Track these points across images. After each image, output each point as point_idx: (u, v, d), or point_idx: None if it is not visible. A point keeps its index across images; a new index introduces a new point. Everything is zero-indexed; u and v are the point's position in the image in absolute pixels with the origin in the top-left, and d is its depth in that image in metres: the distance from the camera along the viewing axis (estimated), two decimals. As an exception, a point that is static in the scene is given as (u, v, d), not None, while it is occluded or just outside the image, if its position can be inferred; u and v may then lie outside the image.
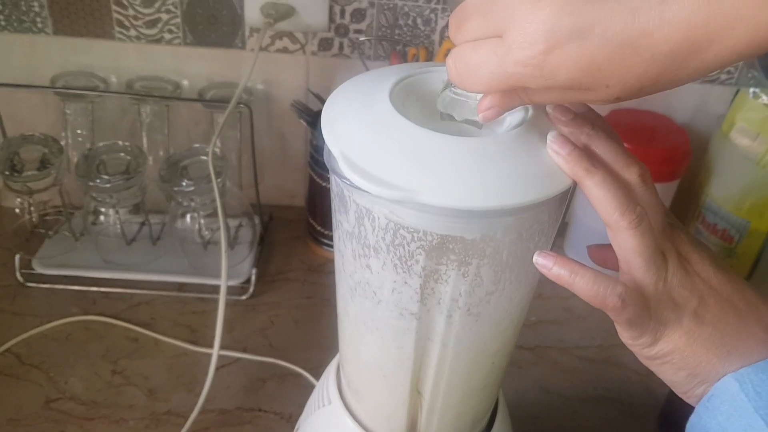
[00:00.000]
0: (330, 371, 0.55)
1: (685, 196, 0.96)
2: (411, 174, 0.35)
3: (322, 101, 0.90)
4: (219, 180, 0.78)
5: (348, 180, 0.36)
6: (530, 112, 0.40)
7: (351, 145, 0.37)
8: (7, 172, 0.78)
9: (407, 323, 0.42)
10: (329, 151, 0.38)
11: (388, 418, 0.49)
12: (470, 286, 0.40)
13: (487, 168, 0.36)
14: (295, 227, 1.01)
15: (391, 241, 0.38)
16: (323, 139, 0.38)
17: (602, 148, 0.38)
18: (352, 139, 0.37)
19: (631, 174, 0.38)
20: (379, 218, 0.38)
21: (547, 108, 0.40)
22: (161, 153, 0.92)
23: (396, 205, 0.37)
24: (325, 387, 0.54)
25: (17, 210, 0.85)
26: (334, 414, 0.52)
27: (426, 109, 0.43)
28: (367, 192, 0.35)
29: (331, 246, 0.95)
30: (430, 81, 0.43)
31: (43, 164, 0.80)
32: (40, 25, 0.88)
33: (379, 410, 0.49)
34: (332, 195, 0.42)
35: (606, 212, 0.37)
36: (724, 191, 0.91)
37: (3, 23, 0.88)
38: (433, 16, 0.88)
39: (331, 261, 0.95)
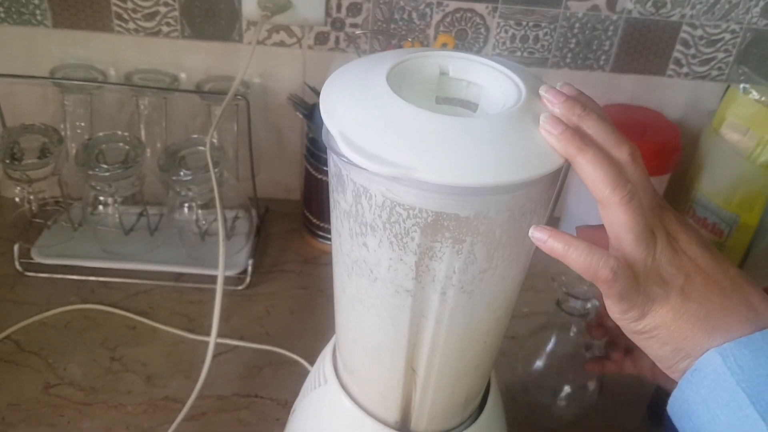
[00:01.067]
0: (326, 352, 0.56)
1: (676, 191, 0.97)
2: (407, 152, 0.36)
3: (319, 95, 0.91)
4: (216, 170, 0.79)
5: (346, 158, 0.37)
6: (524, 94, 0.41)
7: (349, 124, 0.38)
8: (6, 161, 0.79)
9: (402, 300, 0.43)
10: (327, 130, 0.39)
11: (383, 397, 0.50)
12: (464, 263, 0.41)
13: (481, 146, 0.37)
14: (290, 220, 1.02)
15: (388, 218, 0.39)
16: (321, 124, 0.39)
17: (593, 129, 0.39)
18: (350, 118, 0.39)
19: (621, 153, 0.39)
20: (375, 196, 0.39)
21: (540, 90, 0.41)
22: (158, 145, 0.93)
23: (392, 183, 0.38)
24: (321, 368, 0.55)
25: (17, 199, 0.86)
26: (330, 393, 0.53)
27: (422, 93, 0.44)
28: (364, 169, 0.36)
29: (327, 239, 0.96)
30: (427, 65, 0.44)
31: (43, 153, 0.80)
32: (39, 18, 0.89)
33: (375, 389, 0.50)
34: (330, 175, 0.44)
35: (598, 189, 0.38)
36: (715, 186, 0.93)
37: (2, 15, 0.89)
38: (428, 10, 0.90)
39: (327, 253, 0.96)
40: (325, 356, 0.55)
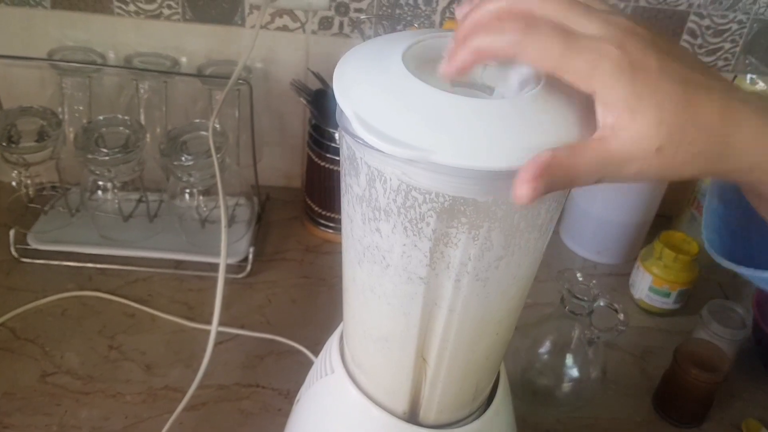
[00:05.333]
0: (332, 342, 0.54)
1: (681, 183, 0.96)
2: (425, 133, 0.35)
3: (322, 80, 0.90)
4: (219, 156, 0.78)
5: (361, 139, 0.36)
6: (543, 77, 0.40)
7: (364, 104, 0.37)
8: (3, 144, 0.77)
9: (415, 288, 0.42)
10: (341, 111, 0.38)
11: (392, 387, 0.49)
12: (480, 250, 0.40)
13: (501, 129, 0.36)
14: (291, 208, 1.00)
15: (403, 203, 0.38)
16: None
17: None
18: (365, 99, 0.37)
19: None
20: (391, 180, 0.38)
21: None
22: (158, 130, 0.92)
23: (409, 166, 0.36)
24: (327, 357, 0.54)
25: (13, 183, 0.84)
26: (336, 383, 0.51)
27: (437, 74, 0.42)
28: (380, 151, 0.35)
29: (329, 227, 0.95)
30: (443, 46, 0.43)
31: (41, 137, 0.79)
32: (37, -1, 0.87)
33: (383, 380, 0.49)
34: (342, 158, 0.42)
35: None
36: (721, 177, 0.92)
37: (0, -5, 0.87)
38: (434, -4, 0.88)
39: (328, 242, 0.95)
40: (332, 345, 0.54)
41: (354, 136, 0.36)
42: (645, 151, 0.34)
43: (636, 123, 0.34)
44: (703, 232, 0.46)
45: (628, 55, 0.34)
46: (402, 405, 0.49)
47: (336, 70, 0.40)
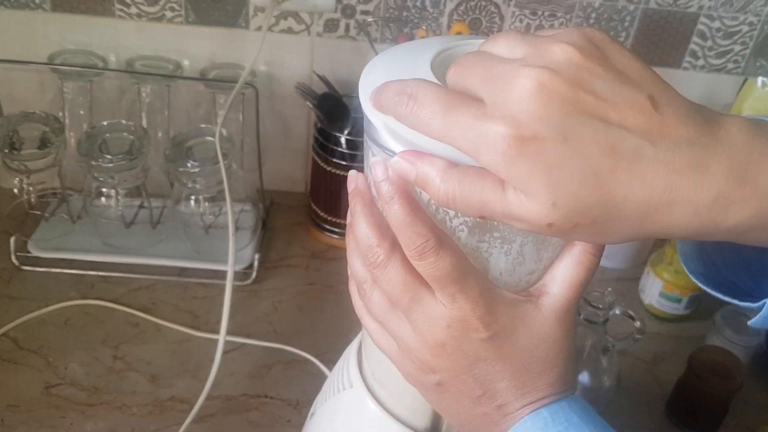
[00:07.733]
0: (349, 355, 0.53)
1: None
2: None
3: (327, 83, 0.88)
4: (226, 162, 0.76)
5: (392, 151, 0.35)
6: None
7: (393, 115, 0.35)
8: (5, 150, 0.75)
9: (443, 303, 0.41)
10: (369, 121, 0.36)
11: (413, 403, 0.48)
12: (512, 264, 0.38)
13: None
14: (296, 213, 0.99)
15: (432, 216, 0.37)
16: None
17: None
18: (395, 109, 0.36)
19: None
20: (420, 192, 0.36)
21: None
22: (160, 134, 0.90)
23: (441, 179, 0.35)
24: (345, 370, 0.52)
25: (15, 190, 0.82)
26: (355, 397, 0.50)
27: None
28: (412, 164, 0.34)
29: (334, 232, 0.93)
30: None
31: (43, 143, 0.77)
32: (38, 1, 0.86)
33: (406, 396, 0.48)
34: (366, 170, 0.41)
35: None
36: (730, 181, 0.91)
37: (-1, -2, 0.85)
38: (442, -2, 0.87)
39: (334, 247, 0.94)
40: (349, 358, 0.53)
41: (383, 147, 0.35)
42: (534, 222, 0.32)
43: (524, 202, 0.31)
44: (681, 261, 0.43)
45: (518, 128, 0.29)
46: (424, 421, 0.48)
47: (362, 79, 0.39)
